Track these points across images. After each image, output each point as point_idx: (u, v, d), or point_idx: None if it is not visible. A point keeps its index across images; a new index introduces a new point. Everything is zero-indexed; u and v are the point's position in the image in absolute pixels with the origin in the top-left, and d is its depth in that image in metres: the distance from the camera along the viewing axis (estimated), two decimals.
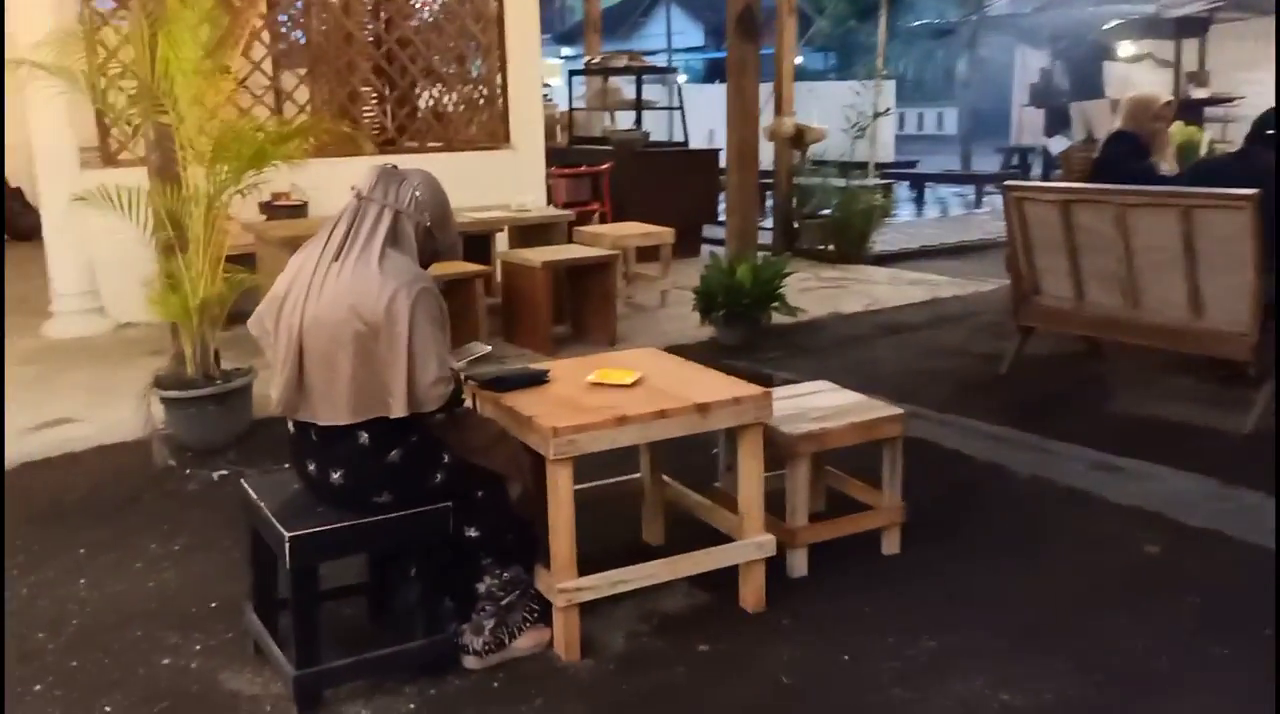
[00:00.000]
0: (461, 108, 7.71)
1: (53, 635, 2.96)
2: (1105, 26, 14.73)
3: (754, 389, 3.09)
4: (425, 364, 2.56)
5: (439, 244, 2.75)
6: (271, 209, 6.31)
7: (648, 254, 7.22)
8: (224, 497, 3.82)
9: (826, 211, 8.94)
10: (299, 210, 6.34)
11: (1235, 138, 14.30)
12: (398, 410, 2.56)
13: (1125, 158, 5.45)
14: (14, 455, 4.18)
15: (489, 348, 3.15)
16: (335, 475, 2.61)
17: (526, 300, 5.80)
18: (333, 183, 7.13)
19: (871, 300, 7.13)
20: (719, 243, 9.69)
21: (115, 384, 5.01)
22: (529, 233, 6.58)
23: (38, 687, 2.71)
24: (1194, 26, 14.56)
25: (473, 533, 2.77)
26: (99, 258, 6.03)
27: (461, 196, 7.48)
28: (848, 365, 5.52)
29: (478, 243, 6.80)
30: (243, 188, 4.30)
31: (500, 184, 7.33)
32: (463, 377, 3.06)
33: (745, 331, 5.91)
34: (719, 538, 3.21)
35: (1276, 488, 3.79)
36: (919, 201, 13.52)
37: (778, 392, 3.73)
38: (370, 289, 2.54)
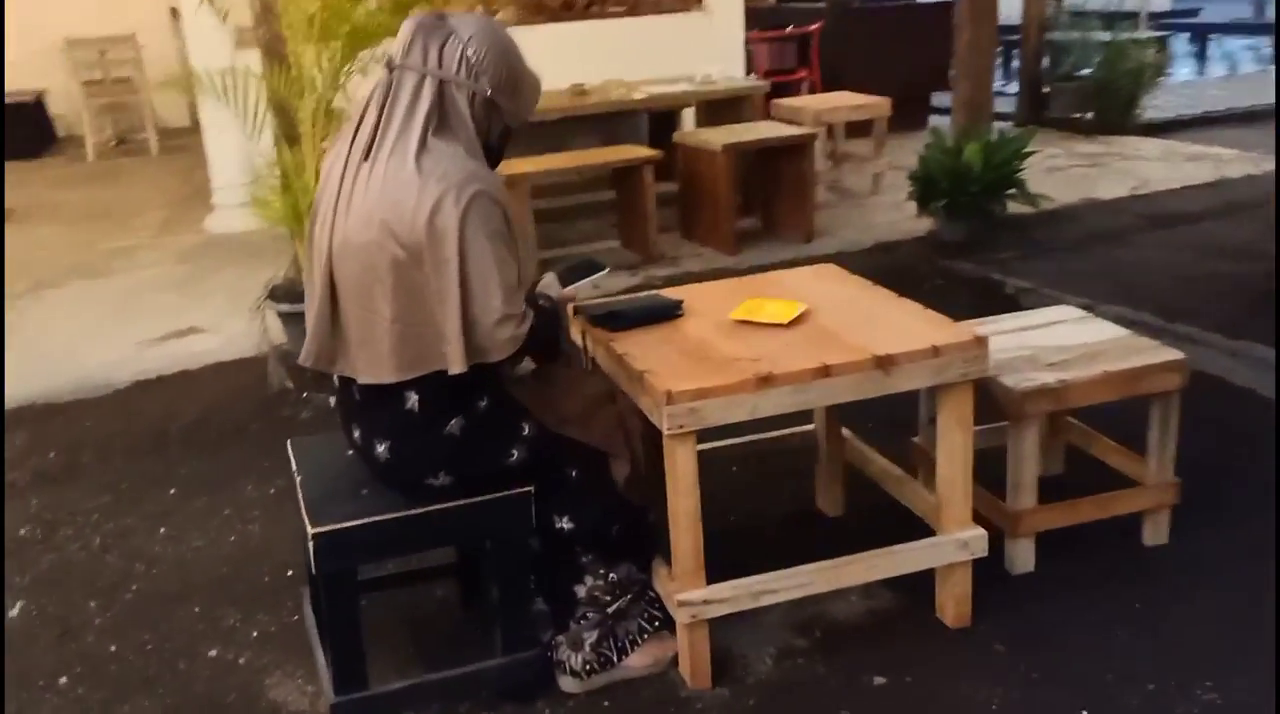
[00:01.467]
0: None
1: (104, 606, 2.56)
2: None
3: (960, 332, 2.19)
4: (485, 298, 1.86)
5: (508, 117, 1.99)
6: None
7: (860, 129, 6.15)
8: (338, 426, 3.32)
9: (1085, 72, 7.45)
10: None
11: None
12: (455, 364, 1.87)
13: None
14: (129, 372, 3.87)
15: (607, 267, 2.37)
16: (380, 448, 1.98)
17: (706, 190, 4.97)
18: None
19: (1138, 182, 5.80)
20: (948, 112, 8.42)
21: (256, 288, 4.64)
22: (717, 108, 5.69)
23: (63, 679, 2.30)
24: None
25: (566, 525, 2.09)
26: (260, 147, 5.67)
27: (644, 67, 6.81)
28: (1101, 270, 4.40)
29: (659, 122, 6.00)
30: (361, 68, 3.66)
31: (690, 53, 6.41)
32: (570, 308, 2.34)
33: (972, 225, 4.85)
34: (913, 519, 2.40)
35: (1276, 481, 2.75)
36: (1201, 57, 11.38)
37: (1003, 321, 2.80)
38: (406, 198, 1.84)
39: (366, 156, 1.90)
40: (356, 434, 2.03)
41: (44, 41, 8.36)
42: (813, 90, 7.63)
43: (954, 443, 2.20)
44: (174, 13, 7.01)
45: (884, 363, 2.09)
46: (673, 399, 1.98)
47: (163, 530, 2.92)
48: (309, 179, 3.56)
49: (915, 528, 2.33)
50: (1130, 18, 10.43)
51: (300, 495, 2.04)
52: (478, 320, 1.87)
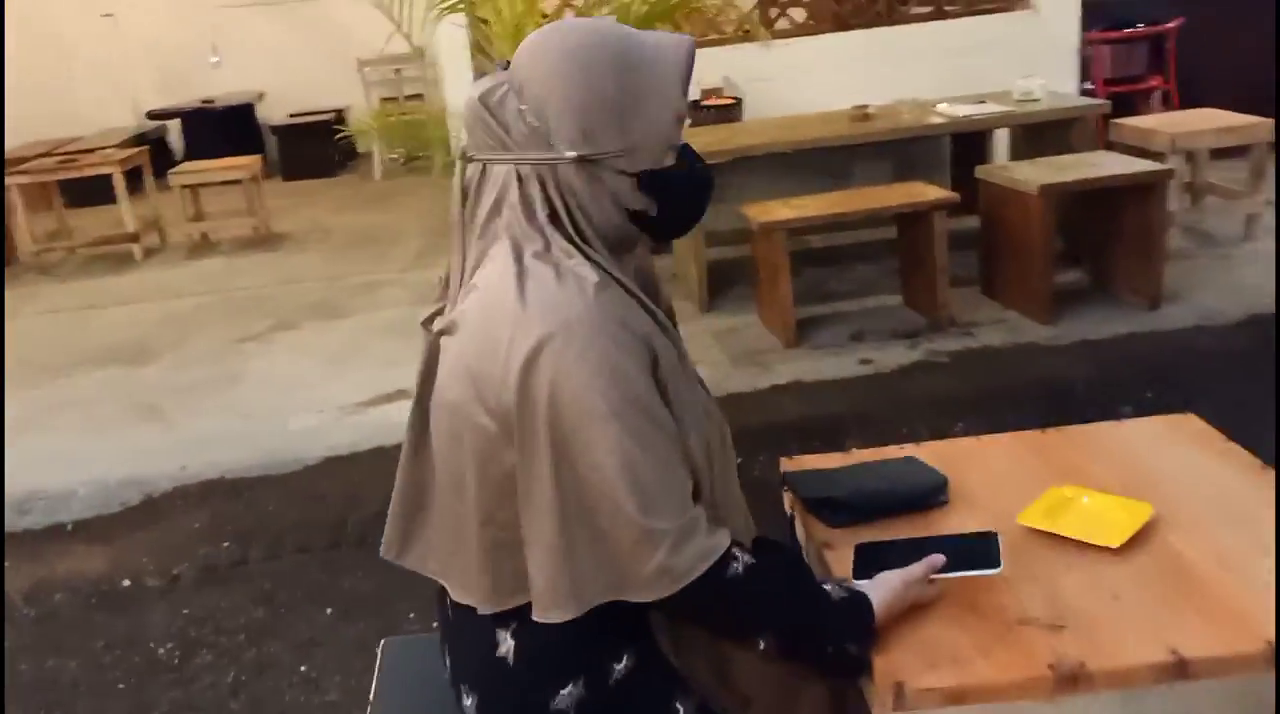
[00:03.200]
0: None
1: None
2: None
3: None
4: (614, 507, 1.13)
5: (636, 164, 1.19)
6: (694, 110, 5.06)
7: (1229, 153, 4.83)
8: None
9: None
10: (729, 112, 5.01)
11: None
12: (545, 607, 1.17)
13: None
14: (325, 444, 3.49)
15: (999, 567, 1.32)
16: (467, 702, 1.30)
17: (1016, 238, 3.96)
18: (789, 72, 5.82)
19: None
20: None
21: None
22: (1039, 131, 4.62)
23: None
24: None
25: None
26: None
27: (953, 79, 5.77)
28: None
29: (966, 145, 5.00)
30: None
31: (1011, 60, 5.34)
32: (785, 490, 1.60)
33: None
34: None
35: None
36: None
37: None
38: (496, 345, 1.15)
39: (462, 279, 1.24)
40: (448, 659, 1.38)
41: (346, 60, 8.58)
42: (1167, 103, 6.25)
43: None
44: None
45: None
46: (905, 701, 1.17)
47: (303, 668, 2.45)
48: None
49: None
50: None
51: None
52: (607, 536, 1.15)
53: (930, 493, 1.54)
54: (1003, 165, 4.18)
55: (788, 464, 1.72)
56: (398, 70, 8.46)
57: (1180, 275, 4.12)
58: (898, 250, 4.28)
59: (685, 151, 1.24)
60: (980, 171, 4.18)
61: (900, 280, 4.29)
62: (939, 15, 5.56)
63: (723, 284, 4.56)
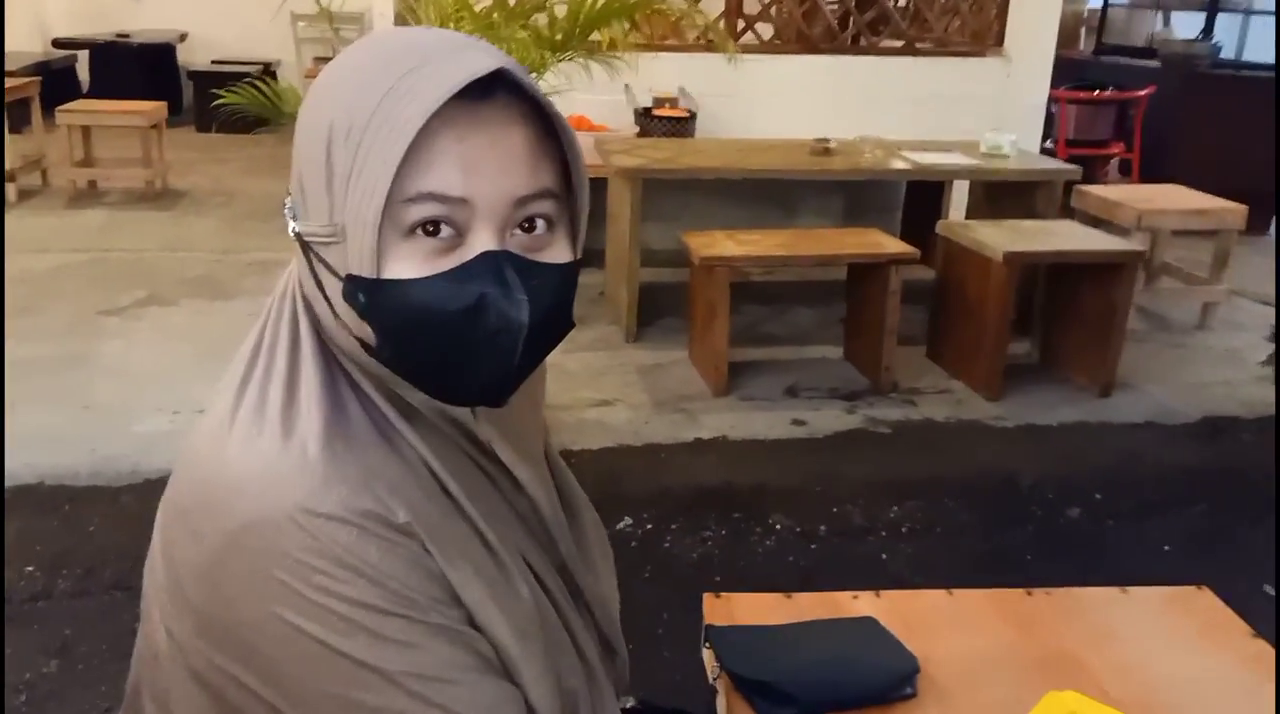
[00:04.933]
0: None
1: None
2: None
3: None
4: None
5: (345, 266, 0.72)
6: (645, 119, 4.67)
7: (1184, 233, 4.62)
8: None
9: None
10: (681, 125, 4.63)
11: None
12: None
13: None
14: (167, 454, 3.00)
15: None
16: None
17: (971, 303, 3.67)
18: (749, 90, 5.45)
19: None
20: None
21: None
22: (1001, 190, 4.35)
23: None
24: None
25: None
26: None
27: (917, 120, 5.39)
28: None
29: (921, 194, 4.71)
30: None
31: (976, 107, 5.09)
32: (707, 646, 1.23)
33: None
34: None
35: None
36: None
37: None
38: (186, 518, 0.75)
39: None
40: None
41: (284, 11, 8.00)
42: (1125, 172, 6.09)
43: None
44: None
45: None
46: None
47: None
48: None
49: None
50: None
51: None
52: None
53: (896, 684, 1.19)
54: (965, 224, 3.88)
55: (712, 608, 1.34)
56: (336, 30, 7.93)
57: (1132, 361, 3.88)
58: (845, 298, 3.96)
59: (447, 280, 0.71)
60: (941, 227, 3.87)
61: (844, 331, 3.97)
62: (910, 51, 5.27)
63: (654, 311, 4.19)
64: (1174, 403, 3.65)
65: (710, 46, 4.78)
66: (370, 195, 0.69)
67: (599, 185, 4.24)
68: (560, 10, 2.66)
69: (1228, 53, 7.53)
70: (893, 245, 3.63)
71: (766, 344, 4.05)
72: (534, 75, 2.68)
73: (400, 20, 3.09)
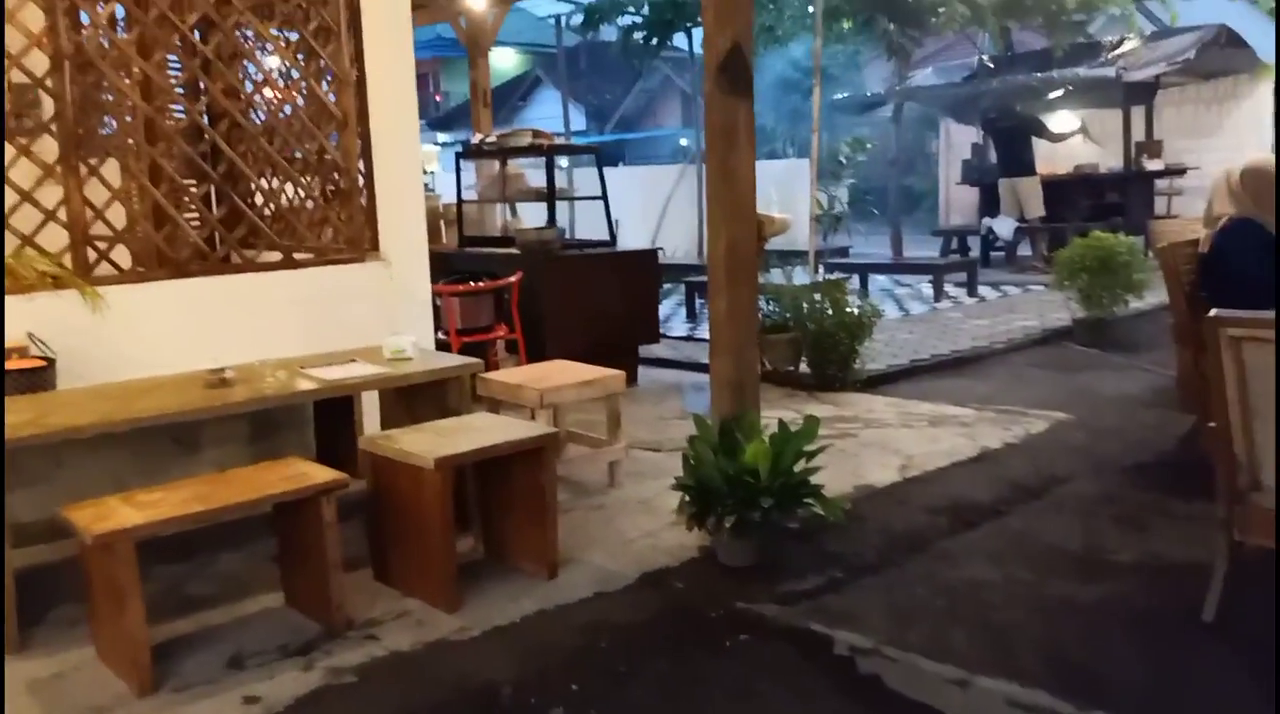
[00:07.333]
0: (309, 203, 5.50)
1: None
2: (1051, 95, 13.46)
3: None
4: None
5: None
6: None
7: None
8: None
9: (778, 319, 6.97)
10: (38, 377, 3.95)
11: (1185, 210, 13.20)
12: None
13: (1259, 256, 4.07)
14: None
15: None
16: None
17: (410, 516, 3.56)
18: (117, 324, 4.86)
19: (903, 460, 5.08)
20: (660, 365, 7.66)
21: None
22: (413, 392, 4.35)
23: None
24: (1142, 93, 13.42)
25: None
26: None
27: (312, 333, 4.88)
28: (936, 603, 3.43)
29: (330, 413, 4.55)
30: None
31: (367, 309, 5.11)
32: None
33: (760, 542, 3.79)
34: None
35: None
36: (863, 297, 11.73)
37: None
38: None
39: None
40: None
41: None
42: (512, 350, 6.56)
43: None
44: None
45: None
46: None
47: None
48: None
49: None
50: (798, 257, 10.56)
51: None
52: None
53: None
54: (387, 436, 3.79)
55: None
56: None
57: (565, 533, 4.05)
58: (274, 532, 3.62)
59: None
60: (364, 442, 3.74)
61: (280, 574, 3.61)
62: (290, 264, 5.15)
63: (40, 604, 3.44)
64: (613, 565, 3.86)
65: (60, 284, 4.21)
66: None
67: None
68: None
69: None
70: (320, 474, 3.39)
71: (194, 609, 3.53)
72: None
73: None
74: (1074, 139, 13.92)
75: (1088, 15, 14.76)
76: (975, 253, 14.00)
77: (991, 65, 14.96)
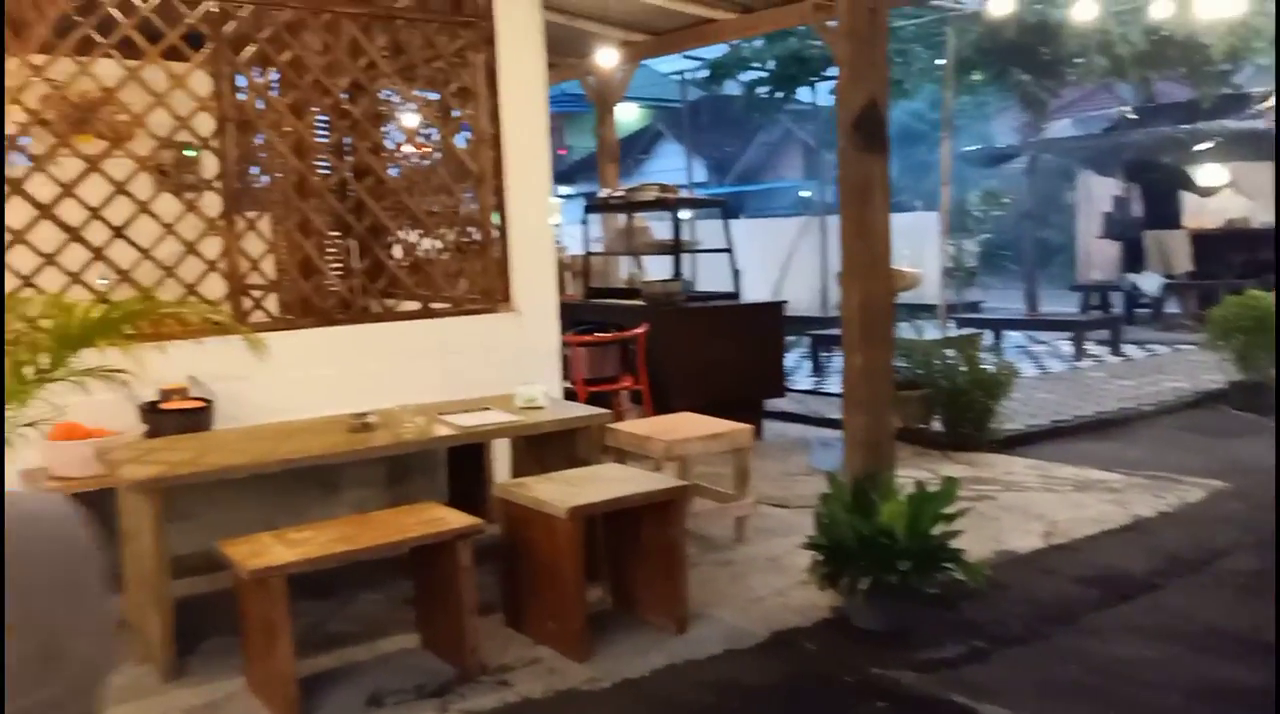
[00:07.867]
0: (445, 255, 5.67)
1: None
2: (1198, 147, 12.94)
3: None
4: None
5: None
6: (153, 415, 4.15)
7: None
8: None
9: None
10: (196, 418, 4.17)
11: None
12: None
13: None
14: None
15: None
16: None
17: (544, 565, 3.58)
18: (267, 369, 5.05)
19: (1046, 526, 4.89)
20: (785, 418, 7.57)
21: None
22: (543, 440, 4.41)
23: None
24: None
25: None
26: None
27: (446, 382, 4.94)
28: (1086, 681, 3.26)
29: (461, 459, 4.64)
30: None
31: (499, 359, 5.22)
32: None
33: (898, 608, 3.68)
34: None
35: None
36: (996, 353, 11.39)
37: None
38: None
39: None
40: None
41: None
42: (638, 401, 6.58)
43: None
44: None
45: None
46: None
47: None
48: None
49: None
50: (928, 310, 10.33)
51: None
52: None
53: None
54: (520, 483, 3.84)
55: None
56: None
57: (693, 588, 4.00)
58: (411, 576, 3.70)
59: None
60: (498, 489, 3.80)
61: (416, 616, 3.68)
62: (427, 313, 5.32)
63: (196, 633, 3.58)
64: (742, 623, 3.81)
65: (218, 329, 4.43)
66: None
67: (106, 496, 3.63)
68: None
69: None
70: (457, 519, 3.46)
71: (336, 646, 3.62)
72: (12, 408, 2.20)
73: None
74: (1223, 193, 13.35)
75: (1234, 65, 14.20)
76: (1117, 309, 13.46)
77: (1135, 116, 14.50)
